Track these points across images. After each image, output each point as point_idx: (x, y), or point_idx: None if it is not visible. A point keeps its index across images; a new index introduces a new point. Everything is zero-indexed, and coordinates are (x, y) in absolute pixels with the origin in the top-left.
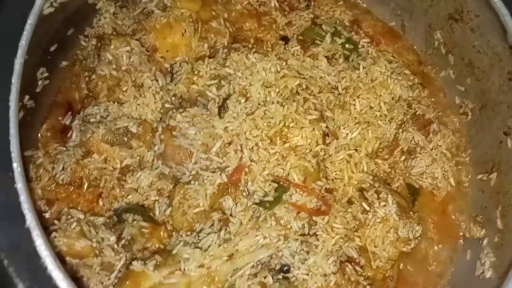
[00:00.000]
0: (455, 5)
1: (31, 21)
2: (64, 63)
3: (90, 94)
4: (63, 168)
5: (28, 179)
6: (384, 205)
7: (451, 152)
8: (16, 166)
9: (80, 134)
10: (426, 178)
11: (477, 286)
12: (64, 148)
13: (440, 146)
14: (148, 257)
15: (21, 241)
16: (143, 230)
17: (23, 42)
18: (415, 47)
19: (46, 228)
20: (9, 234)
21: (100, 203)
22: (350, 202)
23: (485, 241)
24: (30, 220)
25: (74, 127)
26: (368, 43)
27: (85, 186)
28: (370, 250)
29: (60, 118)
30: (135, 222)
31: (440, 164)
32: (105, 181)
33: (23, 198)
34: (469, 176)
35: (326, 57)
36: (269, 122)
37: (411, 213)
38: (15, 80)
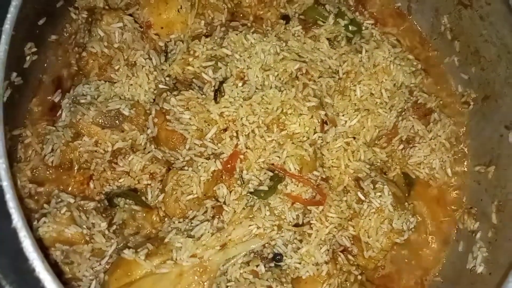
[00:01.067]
0: None
1: (15, 2)
2: (53, 37)
3: (80, 71)
4: (52, 150)
5: (16, 159)
6: (380, 196)
7: (450, 142)
8: (1, 162)
9: (70, 115)
10: (423, 168)
11: (467, 279)
12: (53, 128)
13: (440, 136)
14: (140, 244)
15: (7, 242)
16: (134, 214)
17: (7, 26)
18: (420, 31)
19: (36, 211)
20: None
21: (91, 185)
22: (345, 191)
23: (478, 235)
24: (17, 219)
25: (64, 106)
26: (372, 24)
27: (75, 168)
28: (363, 240)
29: (49, 95)
30: (126, 206)
31: (438, 155)
32: (96, 164)
33: (9, 196)
34: (467, 167)
35: (328, 39)
36: (267, 108)
37: (406, 204)
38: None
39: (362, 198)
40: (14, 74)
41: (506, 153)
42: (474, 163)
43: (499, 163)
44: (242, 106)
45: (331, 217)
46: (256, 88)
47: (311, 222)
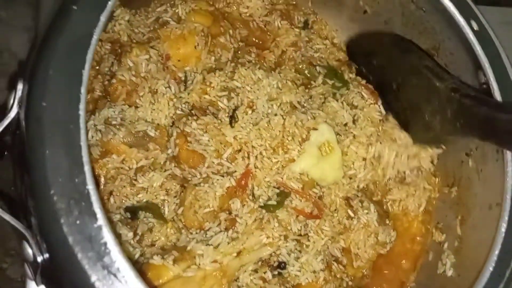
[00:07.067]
0: (433, 42)
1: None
2: None
3: (103, 95)
4: None
5: None
6: (367, 213)
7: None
8: (87, 170)
9: (97, 135)
10: (397, 206)
11: (439, 282)
12: None
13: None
14: (166, 252)
15: (92, 237)
16: (151, 226)
17: (90, 56)
18: None
19: None
20: (82, 230)
21: (111, 200)
22: (336, 210)
23: (445, 245)
24: (101, 218)
25: (89, 127)
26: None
27: (102, 184)
28: (353, 252)
29: None
30: (145, 219)
31: (416, 200)
32: (120, 180)
33: (94, 198)
34: (436, 191)
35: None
36: (272, 133)
37: (387, 220)
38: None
39: (352, 215)
40: None
41: (466, 175)
42: (440, 185)
43: (461, 183)
44: (252, 131)
45: (326, 230)
46: (263, 116)
47: (309, 234)
